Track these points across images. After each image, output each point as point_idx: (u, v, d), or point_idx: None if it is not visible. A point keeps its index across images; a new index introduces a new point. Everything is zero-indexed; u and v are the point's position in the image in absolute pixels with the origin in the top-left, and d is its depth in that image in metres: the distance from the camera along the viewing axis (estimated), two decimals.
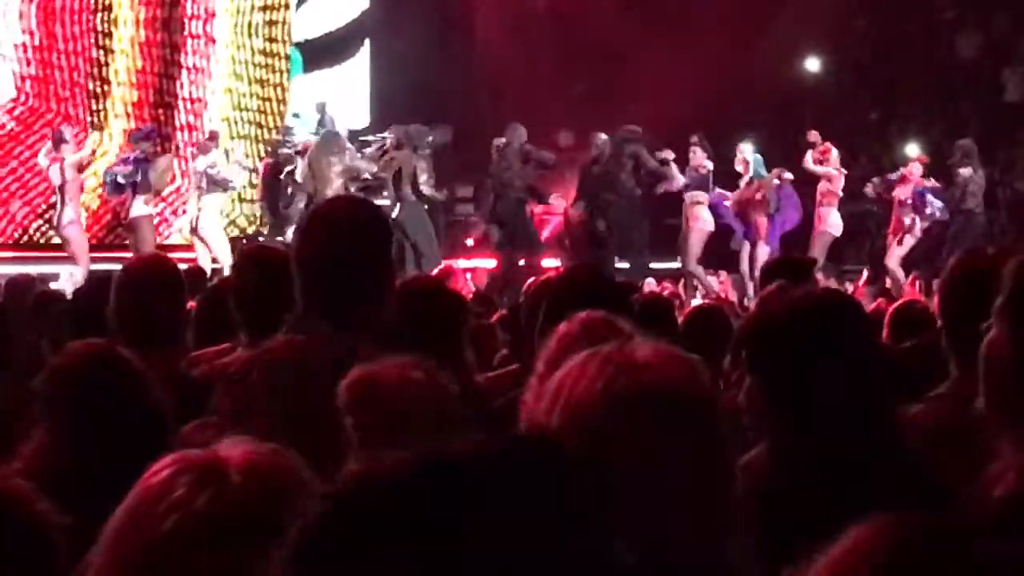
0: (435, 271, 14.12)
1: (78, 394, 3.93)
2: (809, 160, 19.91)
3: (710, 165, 19.86)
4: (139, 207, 19.66)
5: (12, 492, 2.23)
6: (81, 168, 20.00)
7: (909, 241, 19.27)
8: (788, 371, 3.20)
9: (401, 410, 3.35)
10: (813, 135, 20.26)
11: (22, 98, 23.67)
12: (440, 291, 5.68)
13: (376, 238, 4.19)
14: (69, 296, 9.82)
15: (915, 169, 19.76)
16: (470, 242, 21.65)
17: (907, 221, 19.30)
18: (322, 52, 26.72)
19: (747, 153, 20.20)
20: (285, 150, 22.77)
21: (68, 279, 18.18)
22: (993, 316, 2.79)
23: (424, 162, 19.91)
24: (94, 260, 19.16)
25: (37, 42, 23.90)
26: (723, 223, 20.04)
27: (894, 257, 19.25)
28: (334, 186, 19.55)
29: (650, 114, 21.50)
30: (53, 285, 14.02)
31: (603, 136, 20.17)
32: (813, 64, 25.45)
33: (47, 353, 6.17)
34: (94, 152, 21.81)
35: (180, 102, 24.96)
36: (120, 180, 19.81)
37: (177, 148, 24.07)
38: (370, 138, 21.94)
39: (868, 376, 3.13)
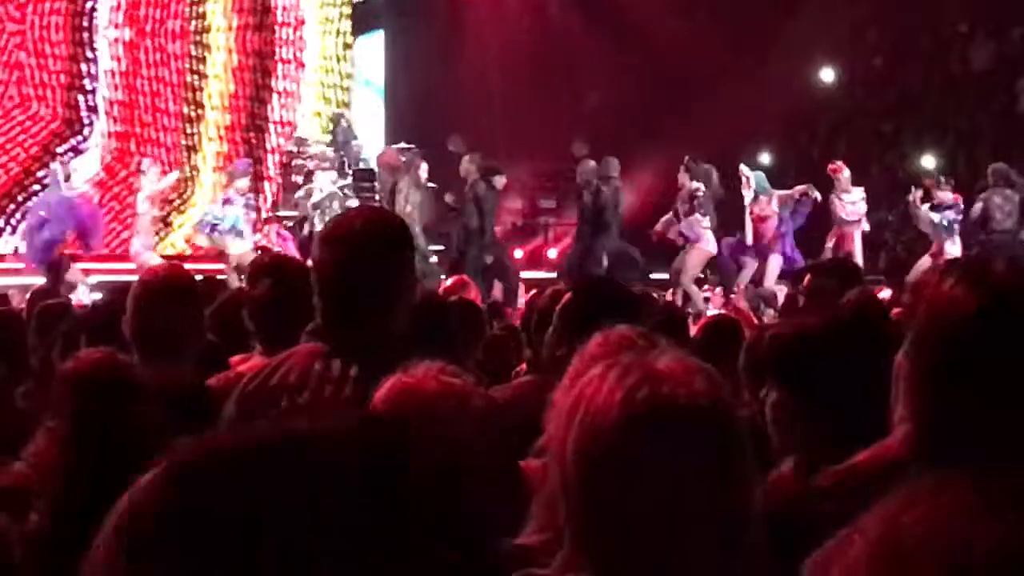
0: (449, 282, 14.05)
1: (77, 401, 3.97)
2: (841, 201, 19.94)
3: (702, 187, 19.90)
4: (236, 247, 19.67)
5: None
6: (157, 201, 20.15)
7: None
8: (822, 385, 3.21)
9: (443, 416, 3.34)
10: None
11: (107, 157, 24.22)
12: (451, 302, 5.68)
13: (392, 250, 4.18)
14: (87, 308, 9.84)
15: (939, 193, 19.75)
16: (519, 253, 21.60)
17: (946, 242, 19.26)
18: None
19: (745, 171, 20.19)
20: (299, 162, 22.82)
21: (86, 292, 18.24)
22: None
23: (414, 190, 19.86)
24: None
25: (125, 68, 24.75)
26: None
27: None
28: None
29: (665, 125, 21.53)
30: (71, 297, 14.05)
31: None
32: (827, 75, 25.41)
33: (58, 363, 6.19)
34: (176, 189, 22.13)
35: (271, 125, 25.49)
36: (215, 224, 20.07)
37: (268, 170, 24.55)
38: (401, 146, 21.97)
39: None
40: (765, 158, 23.67)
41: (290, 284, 5.20)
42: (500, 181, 19.81)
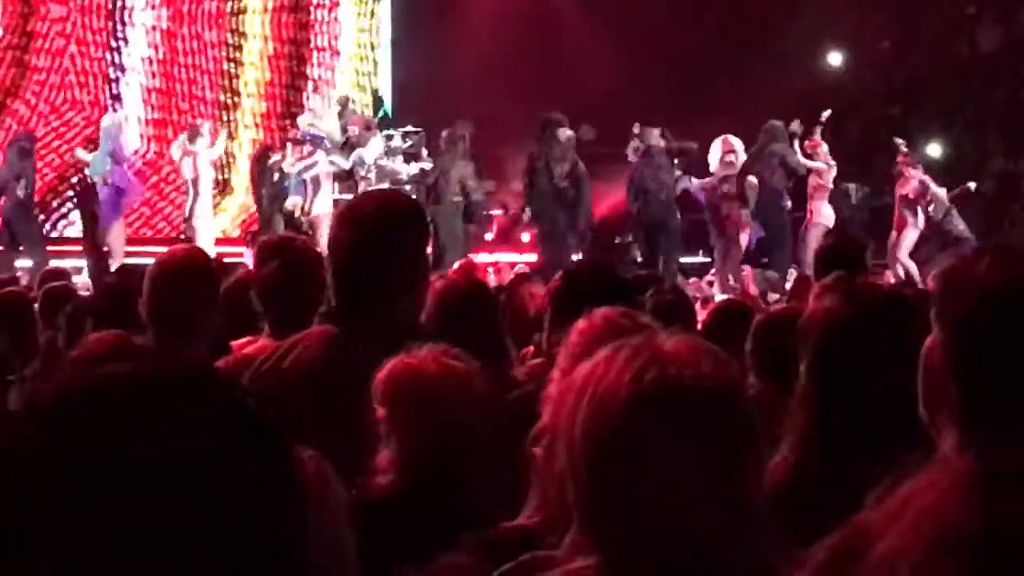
0: (456, 265, 14.10)
1: None
2: (799, 155, 19.95)
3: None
4: (321, 205, 19.71)
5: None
6: (215, 164, 20.42)
7: (912, 234, 19.37)
8: (852, 371, 3.21)
9: (442, 398, 3.33)
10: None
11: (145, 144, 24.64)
12: (477, 287, 5.69)
13: (405, 233, 4.18)
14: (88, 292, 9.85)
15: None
16: (489, 236, 21.54)
17: (908, 216, 19.46)
18: None
19: (739, 147, 20.17)
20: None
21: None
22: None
23: (468, 166, 19.90)
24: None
25: (162, 56, 25.25)
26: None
27: (902, 249, 19.32)
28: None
29: (672, 108, 21.47)
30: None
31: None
32: (835, 59, 25.37)
33: (62, 347, 6.20)
34: (226, 151, 22.32)
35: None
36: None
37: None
38: (408, 129, 21.94)
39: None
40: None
41: (298, 264, 5.20)
42: (564, 133, 19.82)
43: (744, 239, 19.74)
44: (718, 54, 22.49)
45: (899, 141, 20.30)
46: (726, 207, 19.78)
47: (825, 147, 20.13)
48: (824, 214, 19.72)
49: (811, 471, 3.16)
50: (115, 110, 24.30)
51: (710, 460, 2.18)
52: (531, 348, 6.76)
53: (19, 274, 14.94)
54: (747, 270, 19.77)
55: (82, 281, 15.52)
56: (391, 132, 22.31)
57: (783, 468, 3.24)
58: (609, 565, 2.22)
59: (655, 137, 19.97)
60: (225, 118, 25.29)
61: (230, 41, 25.66)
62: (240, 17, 25.69)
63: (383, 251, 4.06)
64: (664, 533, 2.17)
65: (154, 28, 25.01)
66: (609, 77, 23.53)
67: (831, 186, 19.97)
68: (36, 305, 8.20)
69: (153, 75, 25.17)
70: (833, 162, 20.08)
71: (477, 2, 25.08)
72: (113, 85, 24.81)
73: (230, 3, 25.57)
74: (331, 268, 4.15)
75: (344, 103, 24.03)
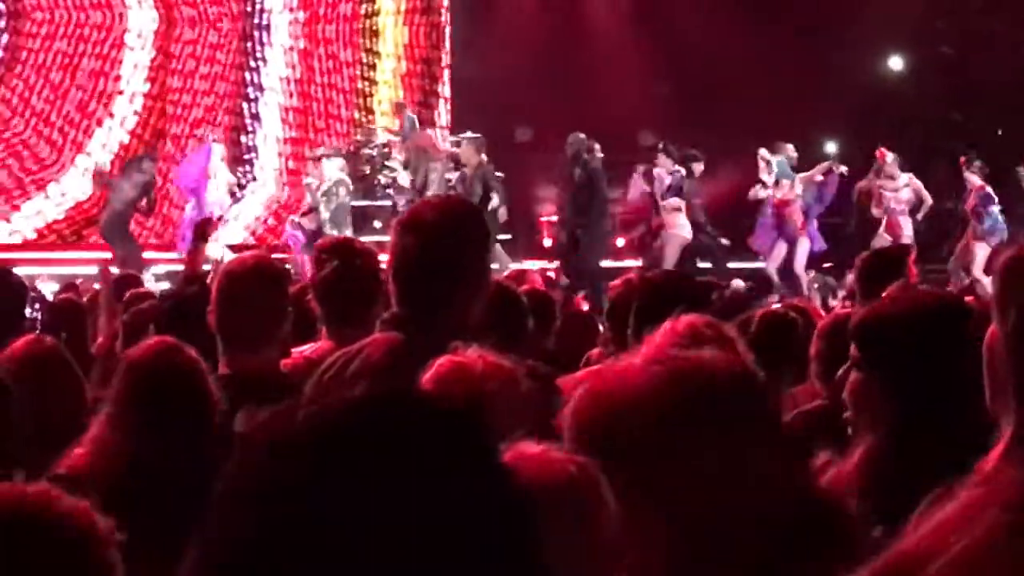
0: (504, 274, 14.05)
1: (138, 389, 4.04)
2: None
3: (682, 171, 19.81)
4: None
5: (71, 512, 2.16)
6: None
7: (984, 248, 19.22)
8: (914, 369, 3.24)
9: (490, 395, 3.35)
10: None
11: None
12: (523, 291, 5.72)
13: (467, 238, 4.19)
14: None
15: (973, 178, 19.88)
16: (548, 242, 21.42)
17: (979, 228, 19.40)
18: None
19: (765, 155, 20.17)
20: (367, 151, 22.85)
21: (151, 280, 18.37)
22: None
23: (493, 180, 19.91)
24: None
25: (299, 76, 26.09)
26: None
27: (977, 266, 19.12)
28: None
29: (732, 115, 21.46)
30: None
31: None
32: (896, 64, 25.28)
33: (120, 351, 6.25)
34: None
35: (437, 130, 26.00)
36: None
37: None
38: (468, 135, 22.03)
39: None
40: (831, 147, 23.55)
41: (357, 263, 5.20)
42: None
43: (807, 242, 19.71)
44: (779, 59, 22.40)
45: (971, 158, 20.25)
46: (784, 213, 19.81)
47: (890, 157, 20.13)
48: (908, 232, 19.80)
49: (888, 471, 3.18)
50: (253, 131, 25.20)
51: (731, 460, 2.19)
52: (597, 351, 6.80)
53: (79, 281, 15.01)
54: (809, 274, 19.73)
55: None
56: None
57: (859, 469, 3.27)
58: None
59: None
60: (360, 137, 25.76)
61: (364, 60, 26.41)
62: (373, 21, 26.30)
63: (445, 258, 4.07)
64: (681, 528, 2.18)
65: (291, 49, 25.80)
66: (663, 83, 23.54)
67: (891, 190, 19.98)
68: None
69: (291, 95, 25.96)
70: (899, 175, 20.12)
71: (520, 4, 25.13)
72: (252, 105, 25.62)
73: (364, 6, 26.21)
74: (393, 274, 4.16)
75: (401, 111, 24.10)
